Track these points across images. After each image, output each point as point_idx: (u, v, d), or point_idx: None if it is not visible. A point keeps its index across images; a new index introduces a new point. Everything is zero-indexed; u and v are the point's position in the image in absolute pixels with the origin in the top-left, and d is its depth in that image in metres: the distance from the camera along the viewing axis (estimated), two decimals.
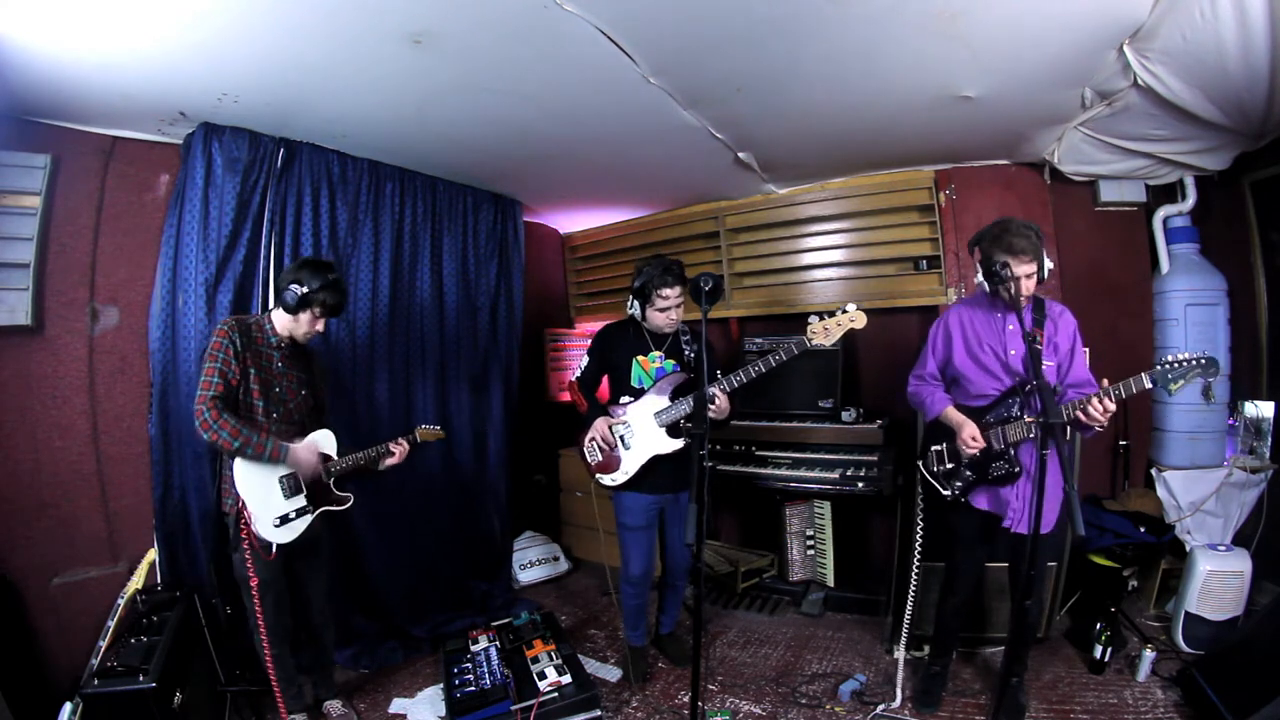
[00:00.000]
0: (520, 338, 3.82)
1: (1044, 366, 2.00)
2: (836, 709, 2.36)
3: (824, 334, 2.14)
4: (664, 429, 2.41)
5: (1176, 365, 1.81)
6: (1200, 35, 1.81)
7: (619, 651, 2.83)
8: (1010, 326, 2.13)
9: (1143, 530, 2.83)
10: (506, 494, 3.72)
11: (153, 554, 2.35)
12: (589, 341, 2.65)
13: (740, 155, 3.00)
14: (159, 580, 2.42)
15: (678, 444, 2.41)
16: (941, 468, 2.24)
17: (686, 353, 2.52)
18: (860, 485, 3.04)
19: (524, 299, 3.84)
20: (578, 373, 2.62)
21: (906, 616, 2.49)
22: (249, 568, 2.00)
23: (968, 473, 2.17)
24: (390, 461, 2.28)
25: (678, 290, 2.39)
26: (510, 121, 2.58)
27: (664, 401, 2.43)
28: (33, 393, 2.31)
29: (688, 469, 2.39)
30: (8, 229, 2.20)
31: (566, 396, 4.21)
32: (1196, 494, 2.87)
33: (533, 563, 3.82)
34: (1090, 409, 1.85)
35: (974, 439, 2.06)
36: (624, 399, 2.51)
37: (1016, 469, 2.07)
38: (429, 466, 3.27)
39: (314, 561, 2.27)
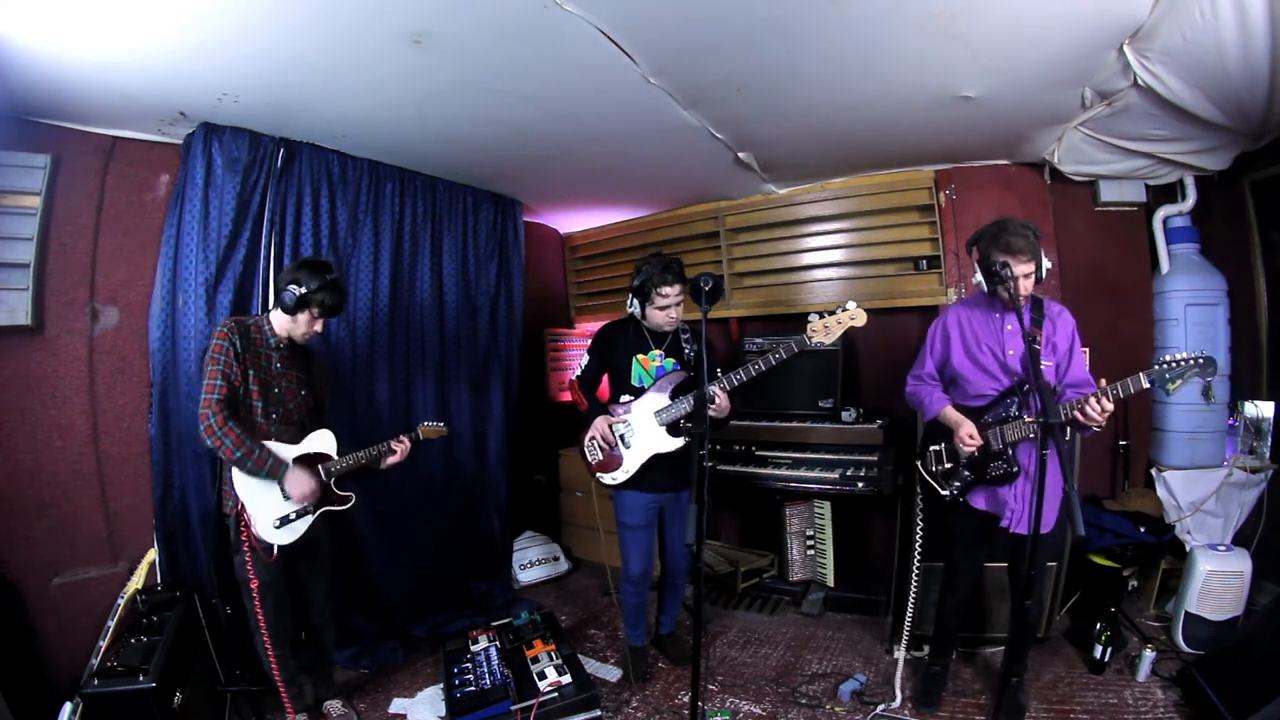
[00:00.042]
0: (520, 338, 3.82)
1: (1042, 366, 2.00)
2: (836, 709, 2.36)
3: (824, 332, 2.14)
4: (664, 428, 2.41)
5: (1174, 365, 1.81)
6: (1200, 35, 1.81)
7: (619, 651, 2.83)
8: (1009, 326, 2.13)
9: (1143, 530, 2.83)
10: (506, 494, 3.72)
11: (153, 554, 2.35)
12: (589, 341, 2.66)
13: (740, 155, 3.00)
14: (159, 580, 2.42)
15: (678, 443, 2.41)
16: (940, 467, 2.24)
17: (686, 351, 2.52)
18: (860, 485, 3.04)
19: (524, 299, 3.84)
20: (578, 371, 2.62)
21: (907, 617, 2.49)
22: (249, 570, 2.00)
23: (966, 473, 2.17)
24: (392, 460, 2.28)
25: (677, 288, 2.40)
26: (510, 121, 2.58)
27: (664, 400, 2.43)
28: (33, 393, 2.31)
29: (688, 468, 2.39)
30: (8, 229, 2.20)
31: (566, 396, 4.21)
32: (1196, 494, 2.87)
33: (533, 563, 3.82)
34: (1088, 409, 1.86)
35: (971, 437, 2.07)
36: (624, 398, 2.51)
37: (1014, 469, 2.07)
38: (429, 467, 3.27)
39: (314, 562, 2.27)
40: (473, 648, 2.51)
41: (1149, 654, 2.39)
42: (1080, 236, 3.17)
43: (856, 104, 2.47)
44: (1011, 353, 2.11)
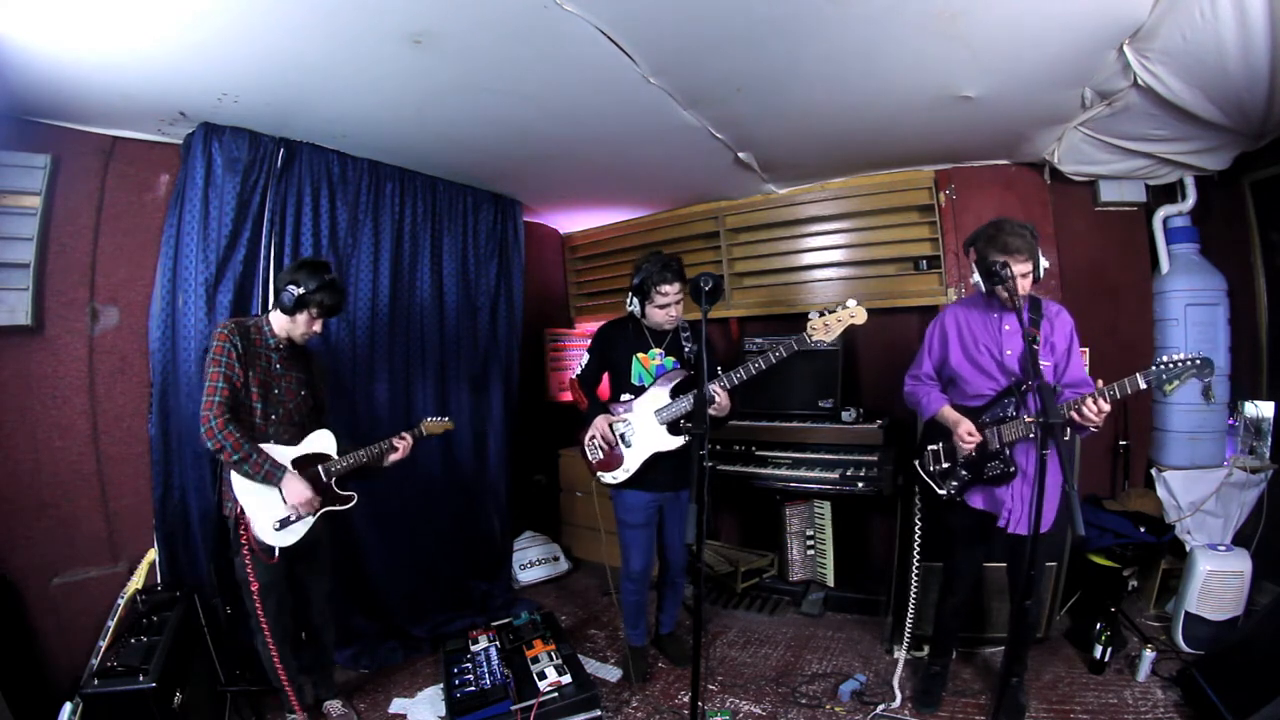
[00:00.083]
0: (520, 338, 3.82)
1: (1041, 366, 2.00)
2: (836, 709, 2.36)
3: (824, 330, 2.14)
4: (664, 426, 2.41)
5: (1171, 366, 1.81)
6: (1200, 35, 1.81)
7: (619, 651, 2.83)
8: (1007, 326, 2.13)
9: (1143, 530, 2.83)
10: (506, 494, 3.72)
11: (153, 554, 2.36)
12: (589, 340, 2.66)
13: (740, 155, 3.00)
14: (159, 580, 2.42)
15: (678, 441, 2.41)
16: (937, 467, 2.25)
17: (686, 350, 2.52)
18: (860, 485, 3.04)
19: (524, 299, 3.84)
20: (578, 370, 2.62)
21: (908, 617, 2.49)
22: (249, 571, 2.00)
23: (963, 472, 2.17)
24: (395, 457, 2.28)
25: (677, 287, 2.40)
26: (510, 121, 2.58)
27: (664, 399, 2.43)
28: (33, 393, 2.31)
29: (687, 467, 2.39)
30: (8, 229, 2.20)
31: (566, 396, 4.21)
32: (1196, 494, 2.87)
33: (533, 563, 3.82)
34: (1085, 409, 1.86)
35: (970, 434, 2.07)
36: (624, 396, 2.51)
37: (1011, 469, 2.08)
38: (429, 467, 3.27)
39: (314, 563, 2.26)
40: (473, 648, 2.51)
41: (1149, 654, 2.39)
42: (1080, 236, 3.17)
43: (856, 104, 2.47)
44: (1009, 353, 2.12)
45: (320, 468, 2.13)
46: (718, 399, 2.27)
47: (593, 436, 2.47)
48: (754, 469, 3.33)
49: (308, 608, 2.30)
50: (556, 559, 3.91)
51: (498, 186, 3.62)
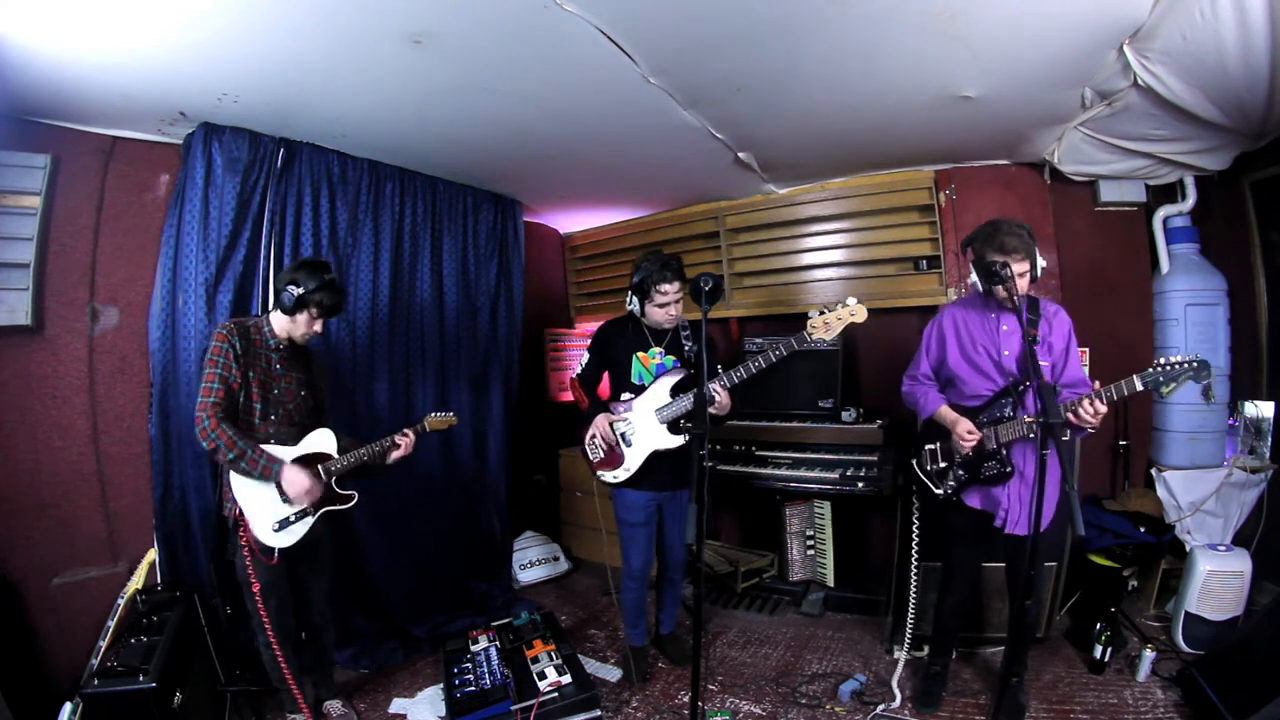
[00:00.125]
0: (520, 338, 3.82)
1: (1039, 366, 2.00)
2: (836, 709, 2.36)
3: (824, 328, 2.14)
4: (665, 425, 2.41)
5: (1168, 368, 1.81)
6: (1200, 35, 1.81)
7: (619, 651, 2.83)
8: (1005, 327, 2.13)
9: (1143, 530, 2.83)
10: (506, 494, 3.72)
11: (153, 554, 2.36)
12: (589, 340, 2.66)
13: (740, 155, 3.00)
14: (159, 580, 2.42)
15: (679, 440, 2.41)
16: (934, 466, 2.25)
17: (686, 349, 2.52)
18: (860, 485, 3.04)
19: (524, 299, 3.84)
20: (578, 369, 2.62)
21: (908, 616, 2.49)
22: (250, 572, 2.00)
23: (960, 472, 2.18)
24: (397, 454, 2.27)
25: (676, 286, 2.40)
26: (510, 121, 2.58)
27: (665, 398, 2.43)
28: (33, 393, 2.31)
29: (687, 466, 2.40)
30: (8, 229, 2.20)
31: (567, 396, 4.21)
32: (1196, 494, 2.87)
33: (533, 563, 3.82)
34: (1082, 411, 1.86)
35: (970, 432, 2.07)
36: (625, 395, 2.51)
37: (1008, 469, 2.08)
38: (429, 467, 3.27)
39: (315, 563, 2.26)
40: (473, 648, 2.51)
41: (1149, 654, 2.39)
42: (1080, 236, 3.17)
43: (856, 104, 2.47)
44: (1007, 353, 2.12)
45: (320, 467, 2.13)
46: (718, 398, 2.27)
47: (593, 435, 2.47)
48: (754, 469, 3.33)
49: (308, 608, 2.30)
50: (556, 559, 3.91)
51: (498, 186, 3.62)
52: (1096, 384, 1.88)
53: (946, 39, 1.94)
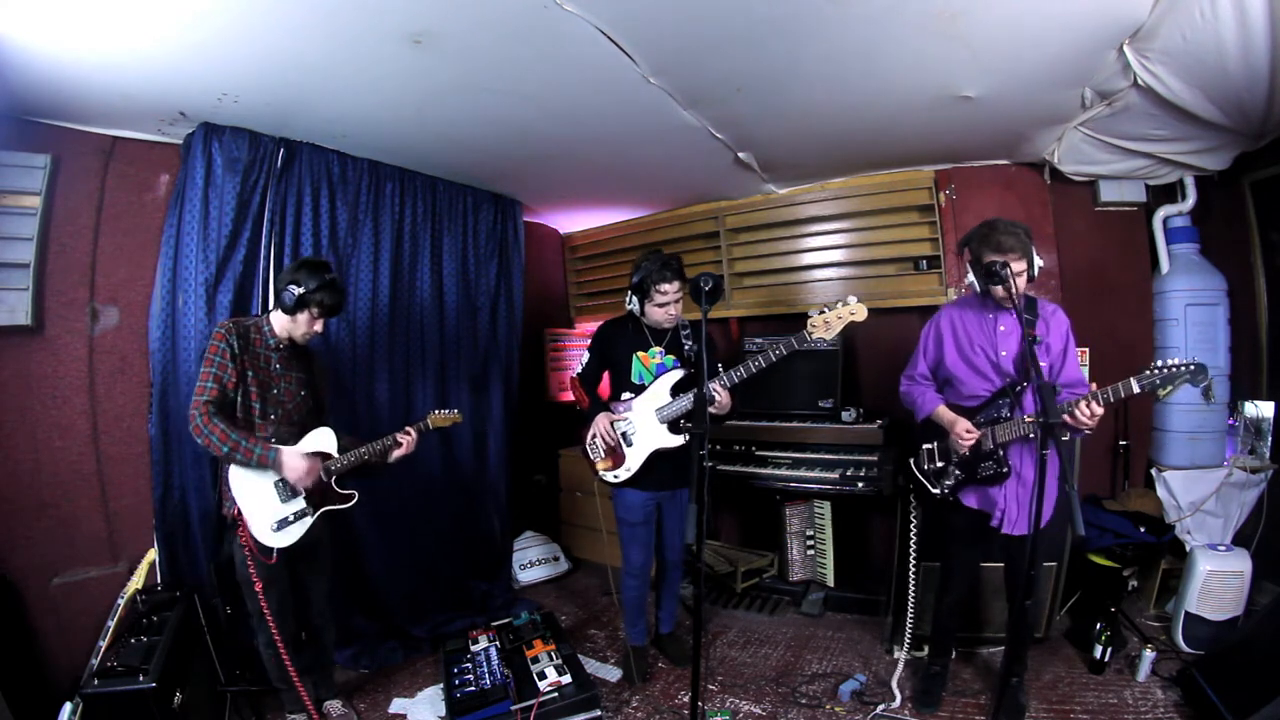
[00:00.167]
0: (520, 338, 3.82)
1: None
2: (836, 709, 2.36)
3: (824, 327, 2.14)
4: (665, 425, 2.41)
5: (1165, 371, 1.81)
6: (1200, 35, 1.81)
7: (619, 651, 2.83)
8: (1002, 327, 2.14)
9: (1143, 530, 2.83)
10: (506, 494, 3.72)
11: (153, 554, 2.35)
12: (589, 340, 2.66)
13: (740, 155, 3.00)
14: (159, 580, 2.42)
15: (679, 440, 2.41)
16: (931, 466, 2.26)
17: (686, 348, 2.52)
18: (860, 485, 3.04)
19: (524, 299, 3.84)
20: (579, 369, 2.62)
21: (908, 616, 2.49)
22: (251, 570, 2.00)
23: (956, 471, 2.18)
24: (399, 453, 2.26)
25: (676, 285, 2.40)
26: (510, 121, 2.58)
27: (665, 398, 2.43)
28: (33, 393, 2.31)
29: (686, 466, 2.40)
30: (8, 229, 2.20)
31: (567, 396, 4.21)
32: (1196, 494, 2.87)
33: (533, 563, 3.82)
34: (1077, 412, 1.86)
35: (969, 431, 2.08)
36: (625, 395, 2.51)
37: (1005, 469, 2.08)
38: (429, 466, 3.27)
39: (314, 562, 2.26)
40: (473, 648, 2.51)
41: (1149, 654, 2.39)
42: (1080, 236, 3.17)
43: (856, 104, 2.47)
44: (1004, 354, 2.12)
45: (320, 466, 2.13)
46: (718, 398, 2.27)
47: (594, 435, 2.47)
48: (754, 469, 3.33)
49: (308, 607, 2.30)
50: (556, 559, 3.91)
51: (498, 186, 3.62)
52: (1093, 385, 1.88)
53: (946, 39, 1.94)
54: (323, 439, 2.17)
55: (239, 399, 2.04)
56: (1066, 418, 1.88)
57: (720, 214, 3.81)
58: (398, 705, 2.49)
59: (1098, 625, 2.46)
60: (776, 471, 3.27)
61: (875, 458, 3.08)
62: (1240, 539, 2.84)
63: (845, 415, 3.26)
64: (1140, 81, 2.10)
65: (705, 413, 1.94)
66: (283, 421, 2.12)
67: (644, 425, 2.43)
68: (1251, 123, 2.31)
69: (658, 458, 2.43)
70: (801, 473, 3.21)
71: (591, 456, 2.51)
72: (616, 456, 2.46)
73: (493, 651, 2.45)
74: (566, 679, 2.25)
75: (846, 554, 3.49)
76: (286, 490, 2.06)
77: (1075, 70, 2.16)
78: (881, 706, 2.34)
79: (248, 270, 2.61)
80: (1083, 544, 2.74)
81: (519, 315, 3.81)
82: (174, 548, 2.48)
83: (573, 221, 4.44)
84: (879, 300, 3.38)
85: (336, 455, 2.17)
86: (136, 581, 2.21)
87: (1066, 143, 2.78)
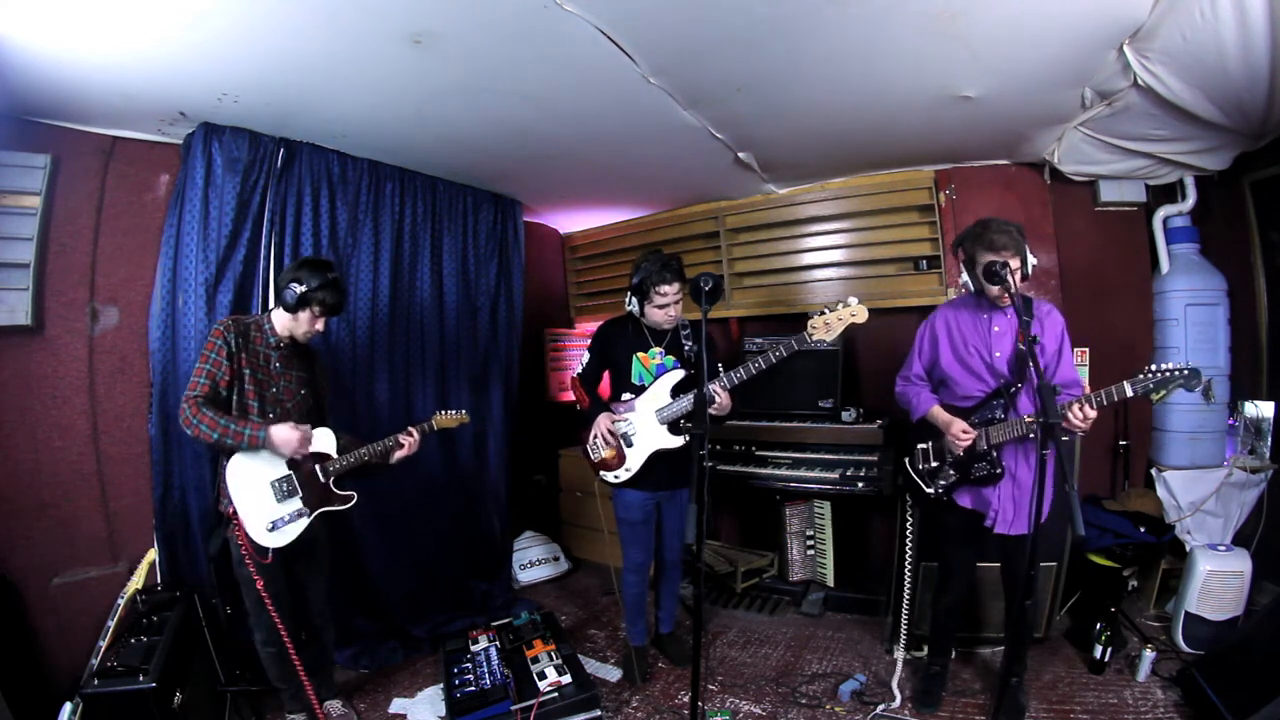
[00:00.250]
0: (520, 338, 3.82)
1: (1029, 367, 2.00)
2: (836, 709, 2.36)
3: (825, 329, 2.14)
4: (665, 425, 2.41)
5: (1159, 375, 1.81)
6: (1200, 35, 1.81)
7: (619, 651, 2.83)
8: (996, 328, 2.14)
9: (1143, 530, 2.83)
10: (506, 494, 3.72)
11: (153, 554, 2.36)
12: (589, 340, 2.66)
13: (740, 155, 3.00)
14: (159, 580, 2.42)
15: (679, 440, 2.41)
16: (926, 466, 2.26)
17: (686, 349, 2.52)
18: (860, 485, 3.05)
19: (524, 299, 3.84)
20: (579, 369, 2.62)
21: (905, 616, 2.49)
22: (251, 569, 1.99)
23: (950, 471, 2.19)
24: (401, 454, 2.25)
25: (676, 286, 2.39)
26: (510, 121, 2.58)
27: (665, 398, 2.43)
28: (33, 393, 2.31)
29: (686, 466, 2.40)
30: (8, 229, 2.20)
31: (567, 396, 4.21)
32: (1196, 494, 2.87)
33: (533, 562, 3.82)
34: (1070, 414, 1.86)
35: (965, 432, 2.08)
36: (625, 395, 2.51)
37: (998, 470, 2.09)
38: (429, 467, 3.27)
39: (312, 562, 2.26)
40: (473, 648, 2.51)
41: (1149, 654, 2.39)
42: (1080, 236, 3.17)
43: (856, 104, 2.47)
44: (999, 354, 2.12)
45: (318, 467, 2.13)
46: (718, 399, 2.27)
47: (595, 436, 2.47)
48: (754, 469, 3.33)
49: (306, 607, 2.30)
50: (556, 559, 3.91)
51: (498, 186, 3.62)
52: (1087, 388, 1.88)
53: (946, 39, 1.94)
54: (322, 439, 2.17)
55: (236, 397, 2.04)
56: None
57: (720, 214, 3.81)
58: (398, 705, 2.49)
59: (1098, 625, 2.46)
60: (776, 471, 3.27)
61: (875, 458, 3.08)
62: (1240, 539, 2.84)
63: (845, 415, 3.26)
64: (1140, 81, 2.10)
65: (705, 413, 1.94)
66: (281, 420, 2.11)
67: (644, 426, 2.44)
68: (1251, 123, 2.31)
69: (658, 458, 2.43)
70: (801, 473, 3.21)
71: (592, 457, 2.51)
72: (617, 457, 2.46)
73: (493, 651, 2.45)
74: (566, 679, 2.25)
75: (846, 554, 3.49)
76: (283, 490, 2.06)
77: (1075, 70, 2.16)
78: (881, 706, 2.34)
79: (248, 270, 2.61)
80: (1083, 544, 2.74)
81: (519, 315, 3.81)
82: (174, 548, 2.48)
83: (573, 221, 4.44)
84: (879, 300, 3.38)
85: (336, 455, 2.16)
86: (136, 581, 2.21)
87: (1066, 143, 2.78)
